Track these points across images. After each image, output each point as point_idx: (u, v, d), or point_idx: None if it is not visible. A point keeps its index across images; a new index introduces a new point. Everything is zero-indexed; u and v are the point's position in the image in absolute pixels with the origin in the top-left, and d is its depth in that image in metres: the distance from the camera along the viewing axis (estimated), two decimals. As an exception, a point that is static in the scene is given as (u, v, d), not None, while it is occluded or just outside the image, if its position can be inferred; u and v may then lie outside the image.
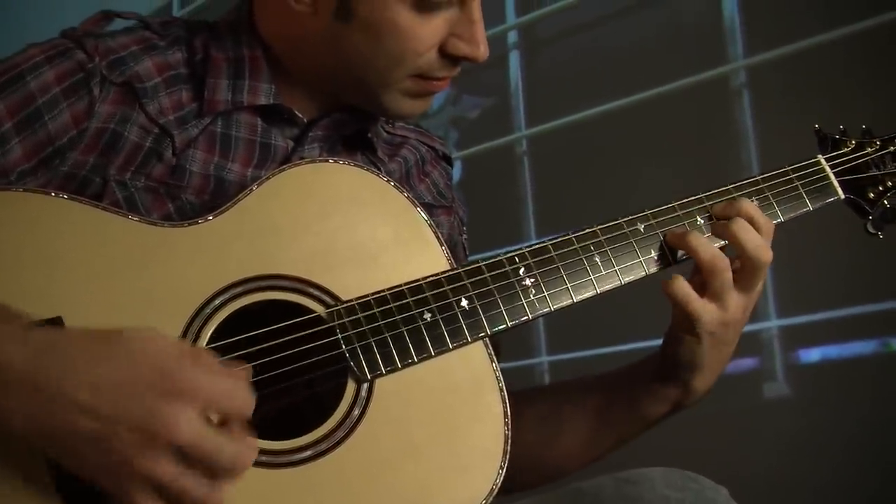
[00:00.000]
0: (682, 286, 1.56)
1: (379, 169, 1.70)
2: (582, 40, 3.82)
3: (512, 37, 4.01)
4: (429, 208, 1.74)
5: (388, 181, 1.56)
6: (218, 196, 1.57)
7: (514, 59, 4.00)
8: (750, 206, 1.62)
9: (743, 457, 3.18)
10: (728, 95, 3.39)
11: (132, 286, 1.39)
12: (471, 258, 1.86)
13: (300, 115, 1.65)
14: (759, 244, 1.58)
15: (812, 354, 3.13)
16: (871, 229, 1.77)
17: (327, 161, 1.56)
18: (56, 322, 1.32)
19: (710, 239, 1.61)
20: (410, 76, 1.60)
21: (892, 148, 1.81)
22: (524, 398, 1.76)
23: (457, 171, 4.08)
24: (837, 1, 3.17)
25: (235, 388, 1.24)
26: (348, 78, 1.61)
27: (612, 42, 3.72)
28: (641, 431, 1.71)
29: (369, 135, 1.71)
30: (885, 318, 2.95)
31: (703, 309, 1.57)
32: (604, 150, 3.66)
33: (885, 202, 1.77)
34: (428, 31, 1.55)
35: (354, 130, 1.70)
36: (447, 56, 1.59)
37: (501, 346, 1.79)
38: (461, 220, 1.88)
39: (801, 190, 1.71)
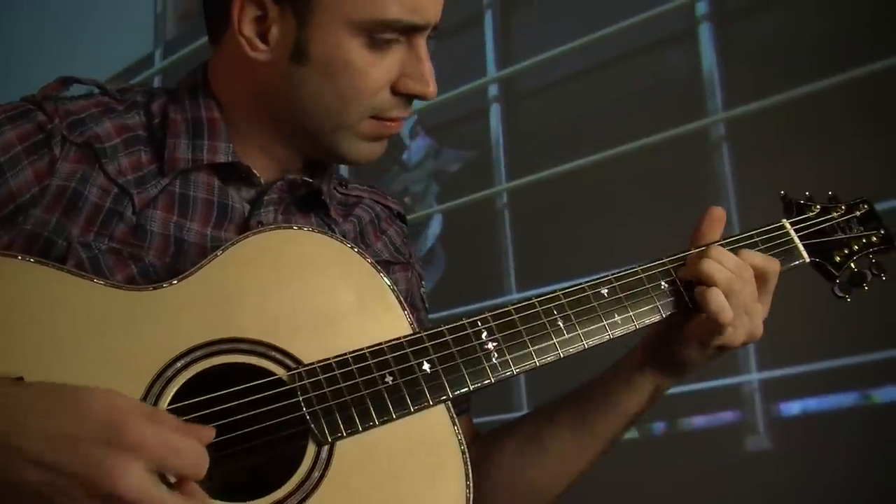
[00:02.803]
0: (721, 297, 1.62)
1: (333, 230, 1.72)
2: (562, 94, 3.84)
3: (493, 90, 4.03)
4: (386, 265, 1.77)
5: (352, 247, 1.57)
6: (178, 256, 1.58)
7: (495, 112, 4.02)
8: (718, 249, 1.67)
9: (725, 510, 3.17)
10: (707, 148, 3.41)
11: (94, 349, 1.38)
12: (441, 315, 1.86)
13: (258, 174, 1.66)
14: (730, 276, 1.63)
15: (793, 407, 3.13)
16: (838, 293, 1.79)
17: (291, 228, 1.57)
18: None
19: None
20: (366, 118, 1.63)
21: (857, 213, 1.85)
22: (502, 431, 1.80)
23: (437, 225, 4.09)
24: (814, 55, 3.20)
25: (188, 447, 1.23)
26: (306, 126, 1.64)
27: (592, 95, 3.74)
28: (624, 428, 1.75)
29: (322, 196, 1.72)
30: (865, 371, 2.95)
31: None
32: (584, 204, 3.67)
33: (852, 265, 1.80)
34: (380, 70, 1.60)
35: (307, 192, 1.71)
36: (399, 94, 1.63)
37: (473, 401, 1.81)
38: (419, 276, 1.90)
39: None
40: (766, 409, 3.16)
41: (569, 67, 3.81)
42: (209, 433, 1.28)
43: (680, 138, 3.46)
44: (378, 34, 1.58)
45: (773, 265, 1.68)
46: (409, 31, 1.60)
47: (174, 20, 5.17)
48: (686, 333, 1.67)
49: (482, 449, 1.77)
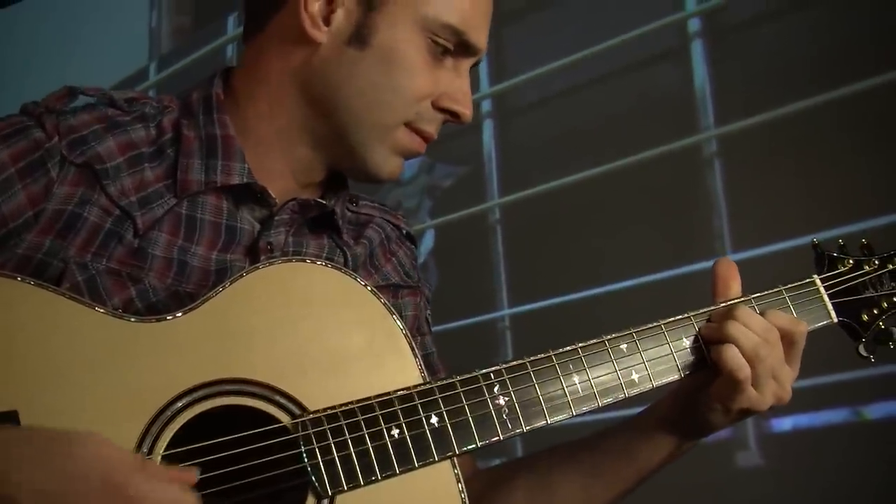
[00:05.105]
0: (737, 354, 1.57)
1: (345, 253, 1.69)
2: (555, 109, 3.85)
3: (485, 105, 4.03)
4: (396, 289, 1.75)
5: (365, 285, 1.52)
6: (180, 278, 1.55)
7: (488, 127, 4.02)
8: (744, 310, 1.61)
9: (717, 526, 3.18)
10: (700, 164, 3.43)
11: (93, 383, 1.35)
12: (436, 328, 1.84)
13: (273, 195, 1.62)
14: (756, 341, 1.57)
15: (784, 423, 3.13)
16: (863, 352, 1.73)
17: (304, 261, 1.52)
18: (11, 416, 1.29)
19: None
20: (402, 124, 1.62)
21: (890, 266, 1.77)
22: (512, 469, 1.75)
23: (430, 239, 4.09)
24: (806, 71, 3.21)
25: (179, 498, 1.24)
26: (343, 116, 1.61)
27: (585, 111, 3.75)
28: (637, 484, 1.69)
29: (335, 217, 1.69)
30: (856, 387, 2.95)
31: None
32: (577, 219, 3.68)
33: (881, 324, 1.73)
34: (430, 77, 1.61)
35: (319, 213, 1.68)
36: (438, 109, 1.63)
37: None
38: (427, 299, 1.86)
39: (794, 312, 1.67)
40: (757, 425, 3.16)
41: (562, 83, 3.82)
42: (192, 475, 1.28)
43: (672, 154, 3.47)
44: (439, 38, 1.59)
45: (800, 327, 1.61)
46: (462, 48, 1.63)
47: (168, 34, 5.18)
48: (709, 396, 1.61)
49: (487, 485, 1.74)
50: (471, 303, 3.89)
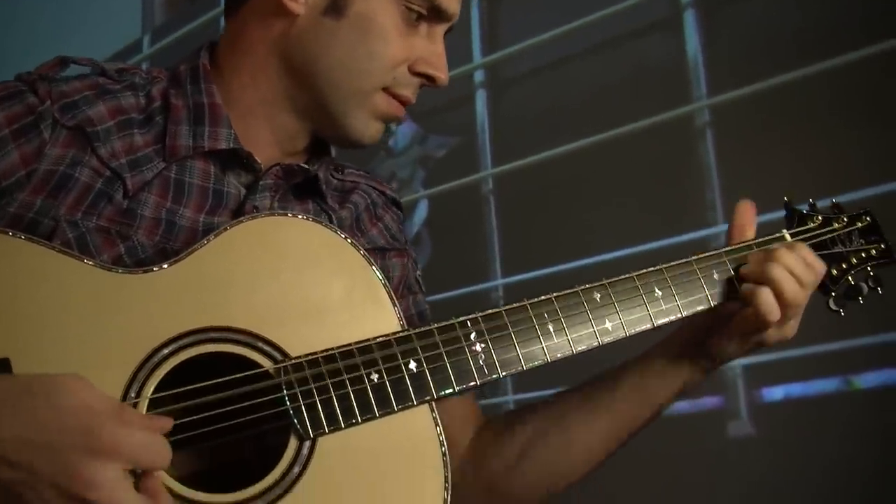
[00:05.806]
0: (772, 298, 1.62)
1: (330, 217, 1.74)
2: (548, 80, 3.85)
3: (478, 76, 4.04)
4: (382, 252, 1.79)
5: (345, 238, 1.56)
6: (168, 236, 1.59)
7: (481, 98, 4.03)
8: (788, 255, 1.65)
9: (709, 496, 3.19)
10: (692, 134, 3.43)
11: (81, 332, 1.38)
12: (430, 298, 1.87)
13: (258, 160, 1.67)
14: (796, 289, 1.63)
15: (776, 393, 3.15)
16: (833, 306, 1.76)
17: (286, 215, 1.56)
18: (3, 363, 1.32)
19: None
20: (380, 90, 1.67)
21: (859, 224, 1.82)
22: (526, 410, 1.80)
23: (423, 210, 4.09)
24: (799, 42, 3.21)
25: (153, 443, 1.27)
26: (322, 86, 1.66)
27: (577, 82, 3.75)
28: (650, 420, 1.75)
29: (319, 183, 1.73)
30: (847, 356, 2.96)
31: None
32: (570, 189, 3.69)
33: (850, 279, 1.77)
34: (406, 43, 1.66)
35: (304, 179, 1.72)
36: (414, 73, 1.69)
37: None
38: (414, 260, 1.90)
39: None
40: (748, 395, 3.18)
41: (554, 54, 3.82)
42: (168, 423, 1.32)
43: (664, 124, 3.48)
44: (412, 4, 1.64)
45: (823, 268, 1.68)
46: (435, 13, 1.67)
47: (162, 6, 5.17)
48: (730, 327, 1.68)
49: (501, 427, 1.79)
50: (464, 273, 3.90)
